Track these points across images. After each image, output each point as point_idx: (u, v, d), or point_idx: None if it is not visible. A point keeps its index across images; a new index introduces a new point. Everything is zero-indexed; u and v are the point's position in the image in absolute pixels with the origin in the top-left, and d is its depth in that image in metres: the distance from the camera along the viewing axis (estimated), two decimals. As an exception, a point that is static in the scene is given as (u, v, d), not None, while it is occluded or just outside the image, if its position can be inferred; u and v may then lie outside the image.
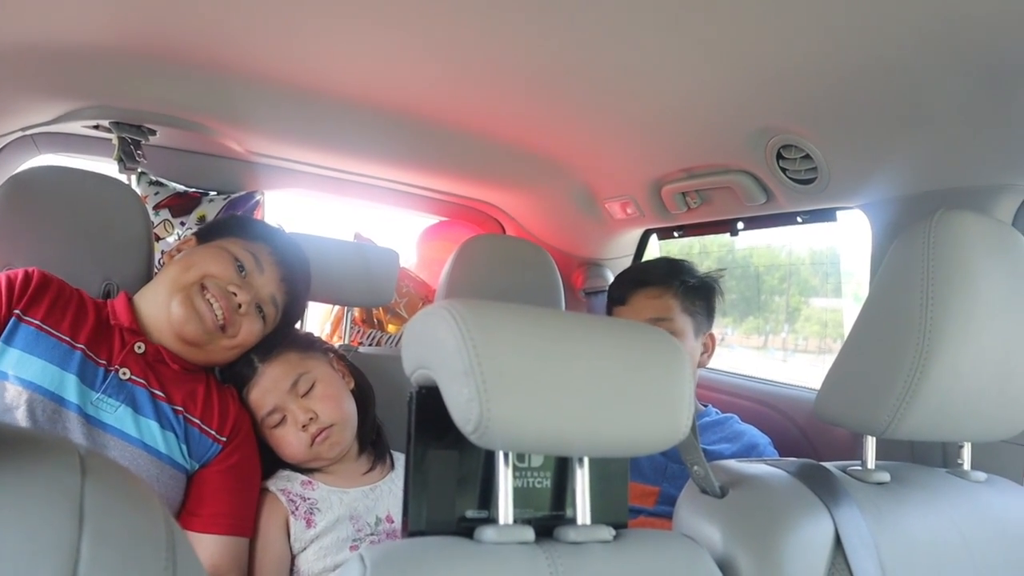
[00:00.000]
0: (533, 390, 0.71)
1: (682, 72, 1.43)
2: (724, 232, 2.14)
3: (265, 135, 2.27)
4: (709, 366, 1.93)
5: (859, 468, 1.06)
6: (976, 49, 1.12)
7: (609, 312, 1.92)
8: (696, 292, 1.84)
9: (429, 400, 0.79)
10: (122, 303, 1.42)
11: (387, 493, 1.54)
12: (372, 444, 1.61)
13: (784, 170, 1.66)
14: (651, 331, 0.84)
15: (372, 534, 1.48)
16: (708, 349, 1.86)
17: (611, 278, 2.67)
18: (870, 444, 1.06)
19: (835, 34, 1.17)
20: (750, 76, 1.39)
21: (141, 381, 1.35)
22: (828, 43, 1.20)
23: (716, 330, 1.86)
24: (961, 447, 1.14)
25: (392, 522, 1.51)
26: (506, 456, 0.77)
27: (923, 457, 1.46)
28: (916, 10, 1.07)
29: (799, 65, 1.30)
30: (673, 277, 1.83)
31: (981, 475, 1.12)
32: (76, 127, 2.17)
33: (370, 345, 2.61)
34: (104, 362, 1.33)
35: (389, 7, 1.31)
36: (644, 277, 1.86)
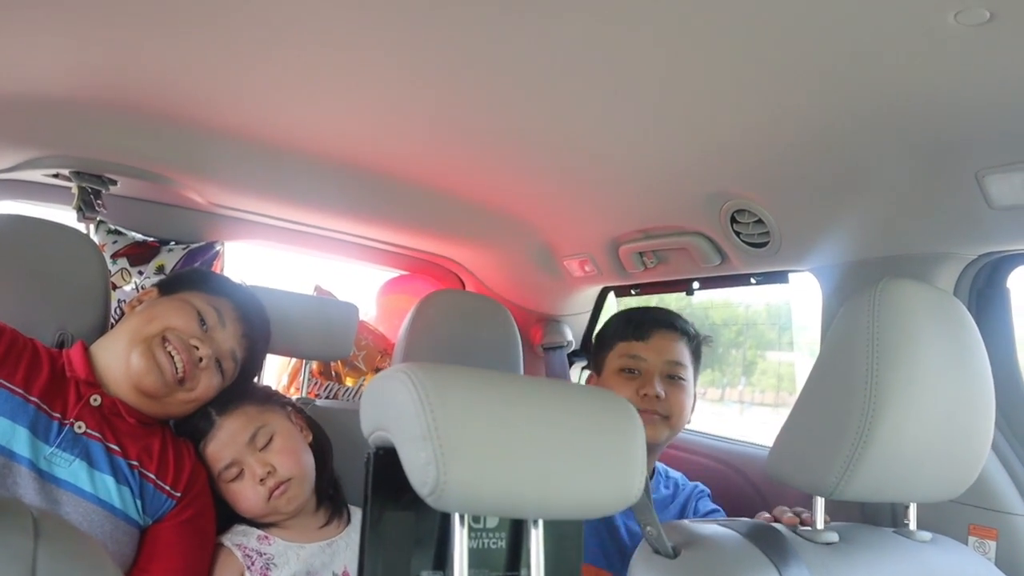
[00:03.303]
0: (489, 454, 0.73)
1: (640, 138, 1.47)
2: (680, 291, 2.18)
3: (227, 187, 2.27)
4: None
5: (808, 528, 1.08)
6: (915, 124, 1.18)
7: (607, 349, 1.83)
8: (697, 345, 1.84)
9: (386, 462, 0.79)
10: (78, 354, 1.39)
11: (344, 548, 1.53)
12: (329, 498, 1.60)
13: (738, 233, 1.70)
14: (606, 396, 0.86)
15: (327, 590, 1.47)
16: (694, 405, 1.86)
17: (569, 334, 2.68)
18: (819, 504, 1.08)
19: (784, 109, 1.23)
20: (705, 144, 1.43)
21: (96, 435, 1.32)
22: (779, 116, 1.26)
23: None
24: (907, 507, 1.16)
25: (348, 578, 1.50)
26: (462, 518, 0.78)
27: (873, 516, 1.49)
28: (858, 88, 1.12)
29: (752, 135, 1.35)
30: (685, 325, 1.83)
31: (927, 535, 1.15)
32: (36, 175, 2.15)
33: (327, 398, 2.59)
34: (59, 415, 1.30)
35: (353, 65, 1.33)
36: (664, 318, 1.82)
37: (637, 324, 1.80)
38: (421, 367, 0.75)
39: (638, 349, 1.77)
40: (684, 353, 1.79)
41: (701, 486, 1.89)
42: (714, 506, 1.86)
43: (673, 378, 1.75)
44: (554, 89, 1.31)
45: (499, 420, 0.75)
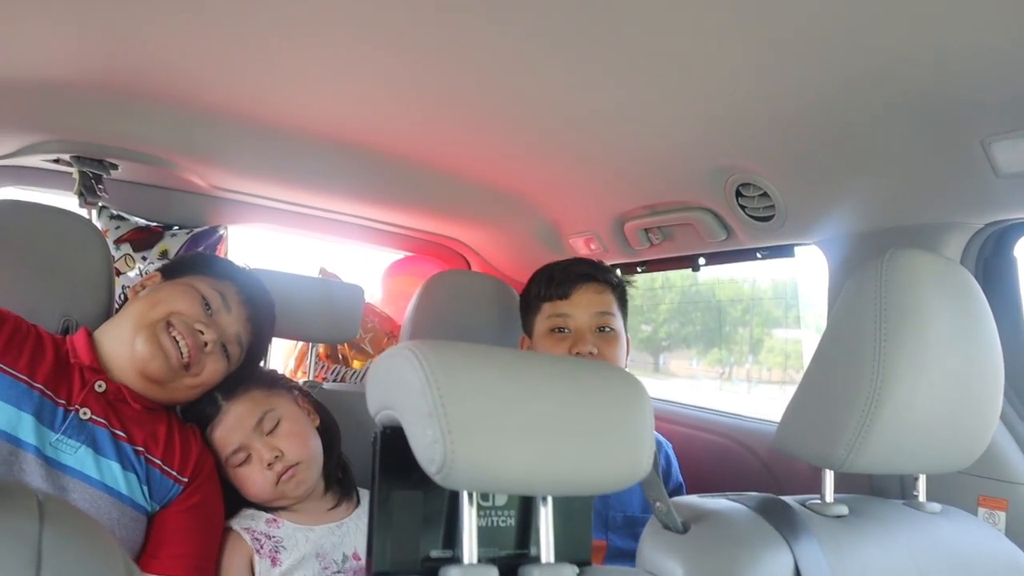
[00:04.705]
0: (497, 430, 0.72)
1: (643, 112, 1.46)
2: (686, 267, 2.17)
3: (229, 170, 2.27)
4: (671, 399, 1.94)
5: (818, 502, 1.08)
6: (918, 89, 1.17)
7: (534, 312, 1.84)
8: (622, 291, 1.86)
9: (393, 441, 0.79)
10: (82, 340, 1.39)
11: (354, 530, 1.53)
12: (338, 481, 1.60)
13: (743, 207, 1.69)
14: (613, 370, 0.85)
15: (339, 572, 1.47)
16: (628, 351, 1.87)
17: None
18: (828, 478, 1.08)
19: (787, 78, 1.21)
20: (708, 116, 1.42)
21: (102, 421, 1.32)
22: (782, 86, 1.24)
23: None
24: (917, 479, 1.16)
25: (359, 559, 1.50)
26: (470, 496, 0.77)
27: (882, 489, 1.49)
28: (860, 53, 1.11)
29: (754, 105, 1.34)
30: (606, 274, 1.83)
31: (936, 506, 1.15)
32: (36, 160, 2.15)
33: (335, 381, 2.59)
34: (64, 402, 1.30)
35: (356, 44, 1.32)
36: (585, 271, 1.81)
37: (559, 282, 1.80)
38: (427, 344, 0.74)
39: (564, 307, 1.78)
40: (610, 302, 1.80)
41: (663, 439, 1.91)
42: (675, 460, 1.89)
43: (604, 329, 1.77)
44: (555, 65, 1.30)
45: (506, 396, 0.74)
